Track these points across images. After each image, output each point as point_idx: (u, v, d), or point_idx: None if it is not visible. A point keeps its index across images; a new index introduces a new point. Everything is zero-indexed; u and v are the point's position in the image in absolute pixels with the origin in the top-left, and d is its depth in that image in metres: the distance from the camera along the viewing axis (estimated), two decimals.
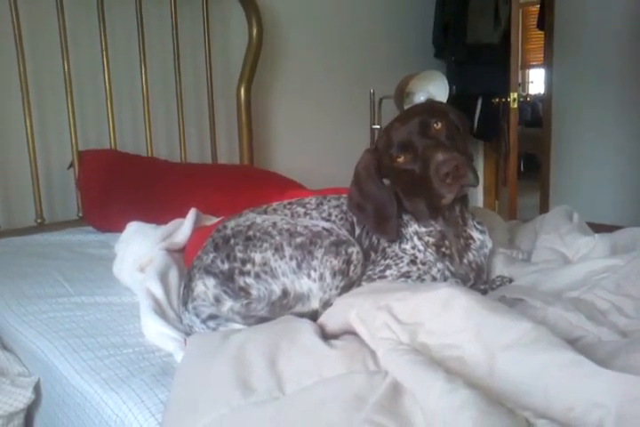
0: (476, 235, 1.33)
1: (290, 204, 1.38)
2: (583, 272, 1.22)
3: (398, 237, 1.29)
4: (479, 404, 0.71)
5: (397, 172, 1.25)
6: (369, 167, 1.29)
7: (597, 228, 1.56)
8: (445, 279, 1.26)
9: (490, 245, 1.36)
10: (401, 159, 1.23)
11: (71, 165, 2.24)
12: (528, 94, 7.78)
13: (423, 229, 1.29)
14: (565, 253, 1.41)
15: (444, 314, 0.91)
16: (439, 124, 1.22)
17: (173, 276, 1.40)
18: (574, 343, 0.91)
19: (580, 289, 1.16)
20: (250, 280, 1.14)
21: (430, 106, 1.30)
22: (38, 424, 1.29)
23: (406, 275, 1.23)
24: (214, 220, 1.72)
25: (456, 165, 1.14)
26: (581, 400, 0.74)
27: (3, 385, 1.22)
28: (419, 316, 0.93)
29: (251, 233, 1.20)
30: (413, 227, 1.30)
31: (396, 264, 1.24)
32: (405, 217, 1.31)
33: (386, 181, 1.31)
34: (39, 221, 2.17)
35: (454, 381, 0.76)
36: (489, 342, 0.85)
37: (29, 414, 1.29)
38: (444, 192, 1.17)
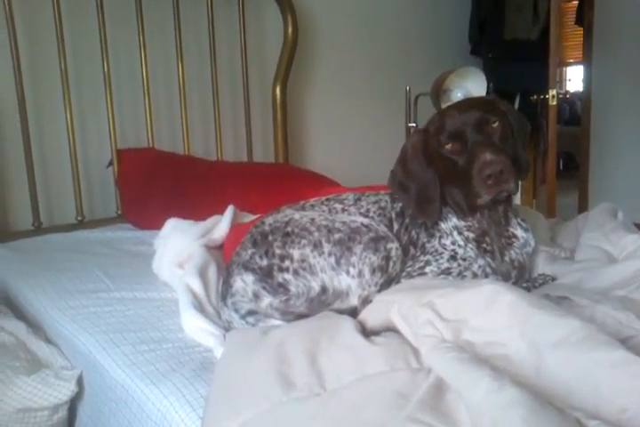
0: (519, 233, 1.31)
1: (327, 200, 1.38)
2: (631, 270, 1.19)
3: (438, 230, 1.27)
4: (528, 402, 0.70)
5: (442, 158, 1.23)
6: (417, 147, 1.27)
7: (638, 228, 1.51)
8: (486, 276, 1.23)
9: (533, 243, 1.33)
10: (449, 147, 1.21)
11: (110, 164, 2.28)
12: (567, 91, 7.59)
13: (462, 224, 1.27)
14: (610, 251, 1.37)
15: (488, 311, 0.89)
16: (496, 124, 1.20)
17: (212, 272, 1.41)
18: (624, 343, 0.88)
19: (627, 288, 1.13)
20: (288, 276, 1.14)
21: (492, 102, 1.26)
22: (82, 416, 1.31)
23: (446, 271, 1.21)
24: (251, 217, 1.72)
25: (501, 169, 1.13)
26: (634, 401, 0.72)
27: (47, 378, 1.24)
28: (462, 313, 0.91)
29: (289, 229, 1.19)
30: (453, 221, 1.27)
31: (436, 260, 1.22)
32: (444, 210, 1.28)
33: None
34: (79, 218, 2.20)
35: (500, 379, 0.75)
36: (536, 339, 0.83)
37: (73, 406, 1.31)
38: (481, 192, 1.17)
